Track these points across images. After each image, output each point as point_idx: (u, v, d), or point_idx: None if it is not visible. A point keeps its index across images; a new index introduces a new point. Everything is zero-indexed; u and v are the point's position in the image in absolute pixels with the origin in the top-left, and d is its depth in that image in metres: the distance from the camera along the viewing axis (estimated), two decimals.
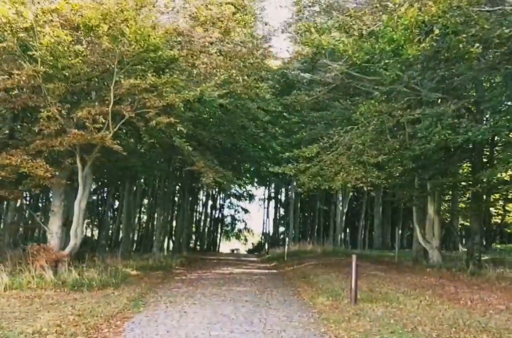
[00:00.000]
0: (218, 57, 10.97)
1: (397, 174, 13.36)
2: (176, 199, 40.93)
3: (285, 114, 22.37)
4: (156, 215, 25.11)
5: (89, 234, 52.78)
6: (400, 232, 25.57)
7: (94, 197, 51.19)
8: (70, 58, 9.10)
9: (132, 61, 10.14)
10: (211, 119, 16.61)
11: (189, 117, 13.67)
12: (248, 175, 31.40)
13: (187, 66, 11.02)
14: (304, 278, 14.85)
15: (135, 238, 41.85)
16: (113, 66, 9.86)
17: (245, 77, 11.80)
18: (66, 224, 15.15)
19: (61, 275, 10.21)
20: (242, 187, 55.06)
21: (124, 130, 13.49)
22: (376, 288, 11.68)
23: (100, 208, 50.00)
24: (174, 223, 41.58)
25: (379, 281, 12.89)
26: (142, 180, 33.42)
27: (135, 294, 10.35)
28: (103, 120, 9.92)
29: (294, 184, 42.10)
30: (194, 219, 54.12)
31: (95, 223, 52.17)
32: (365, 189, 12.35)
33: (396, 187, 16.01)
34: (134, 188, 26.29)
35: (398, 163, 12.38)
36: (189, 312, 8.74)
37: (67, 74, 9.56)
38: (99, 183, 44.91)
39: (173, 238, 35.42)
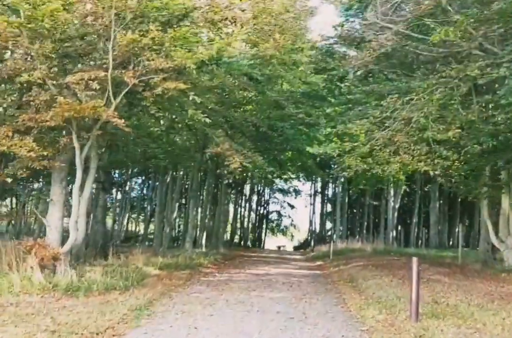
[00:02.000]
0: (244, 13, 9.02)
1: (472, 155, 10.80)
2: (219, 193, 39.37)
3: (330, 99, 20.25)
4: (189, 209, 23.42)
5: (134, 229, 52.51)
6: (461, 229, 22.77)
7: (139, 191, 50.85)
8: (49, 5, 7.36)
9: (133, 12, 8.29)
10: (236, 91, 14.49)
11: (211, 87, 11.63)
12: (291, 167, 29.16)
13: (205, 22, 9.09)
14: (351, 282, 12.69)
15: (175, 233, 40.63)
16: (110, 20, 8.07)
17: (276, 36, 9.70)
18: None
19: (54, 277, 8.54)
20: (287, 182, 53.34)
21: (137, 109, 11.72)
22: (441, 299, 9.39)
23: (143, 202, 49.27)
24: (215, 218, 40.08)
25: (444, 289, 10.57)
26: (181, 172, 31.95)
27: (144, 301, 8.53)
28: (97, 86, 8.15)
29: (342, 179, 39.74)
30: (239, 214, 52.73)
31: (140, 218, 51.62)
32: (430, 173, 9.99)
33: (464, 175, 13.44)
34: (167, 180, 24.69)
35: (474, 141, 9.90)
36: (201, 328, 6.82)
37: (47, 26, 7.80)
38: (143, 177, 44.14)
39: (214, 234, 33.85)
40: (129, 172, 29.79)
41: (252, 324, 7.26)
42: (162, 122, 14.73)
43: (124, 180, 24.82)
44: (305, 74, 13.72)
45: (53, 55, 8.35)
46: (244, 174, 17.34)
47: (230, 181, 40.13)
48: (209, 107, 14.61)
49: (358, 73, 18.58)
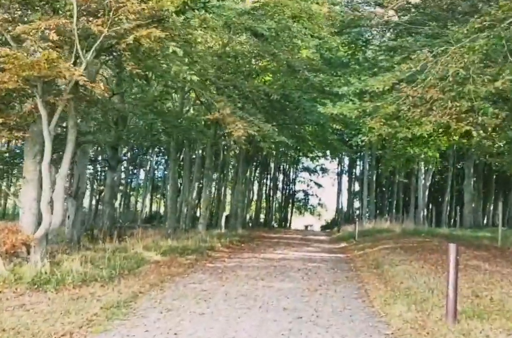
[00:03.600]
0: None
1: None
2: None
3: (352, 65, 18.45)
4: (203, 188, 22.05)
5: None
6: (500, 207, 20.82)
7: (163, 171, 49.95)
8: None
9: None
10: (244, 57, 12.94)
11: (219, 53, 10.12)
12: (311, 142, 27.38)
13: None
14: (376, 269, 11.22)
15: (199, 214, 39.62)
16: None
17: None
18: (77, 195, 12.48)
19: (22, 267, 7.33)
20: (314, 160, 51.86)
21: (125, 72, 10.27)
22: (482, 291, 7.84)
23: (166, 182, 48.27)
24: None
25: (485, 278, 8.98)
26: (200, 151, 30.69)
27: (127, 295, 7.27)
28: (55, 37, 6.74)
29: (370, 158, 37.90)
30: (264, 194, 51.61)
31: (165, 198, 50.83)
32: (473, 134, 8.17)
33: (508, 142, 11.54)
34: (181, 157, 23.34)
35: None
36: (183, 334, 5.50)
37: None
38: (166, 156, 42.98)
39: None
40: (146, 150, 28.53)
41: (249, 326, 5.90)
42: (154, 87, 13.34)
43: (134, 157, 23.48)
44: (320, 28, 11.91)
45: (6, 2, 6.98)
46: (253, 145, 15.54)
47: (256, 159, 38.79)
48: (223, 77, 13.19)
49: (384, 37, 16.73)
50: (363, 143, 9.32)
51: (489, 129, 7.97)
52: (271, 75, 16.39)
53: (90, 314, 5.99)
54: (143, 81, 11.61)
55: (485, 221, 41.39)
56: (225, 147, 31.52)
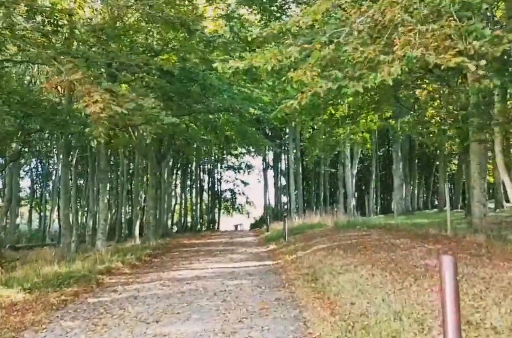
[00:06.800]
0: None
1: None
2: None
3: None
4: (99, 196, 18.59)
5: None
6: (447, 190, 19.00)
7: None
8: None
9: None
10: None
11: None
12: (229, 131, 24.66)
13: None
14: (315, 281, 8.66)
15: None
16: None
17: None
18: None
19: None
20: (239, 158, 49.99)
21: None
22: (473, 313, 5.43)
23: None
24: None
25: (464, 287, 6.58)
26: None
27: None
28: None
29: (294, 151, 35.83)
30: (189, 197, 48.89)
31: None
32: (470, 69, 5.42)
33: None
34: (69, 158, 19.70)
35: None
36: None
37: None
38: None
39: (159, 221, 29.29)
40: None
41: None
42: None
43: (3, 164, 19.49)
44: None
45: None
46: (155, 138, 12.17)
47: (176, 160, 35.55)
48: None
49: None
50: (287, 111, 6.34)
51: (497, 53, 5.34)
52: (173, 55, 13.52)
53: None
54: None
55: (410, 206, 40.83)
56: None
